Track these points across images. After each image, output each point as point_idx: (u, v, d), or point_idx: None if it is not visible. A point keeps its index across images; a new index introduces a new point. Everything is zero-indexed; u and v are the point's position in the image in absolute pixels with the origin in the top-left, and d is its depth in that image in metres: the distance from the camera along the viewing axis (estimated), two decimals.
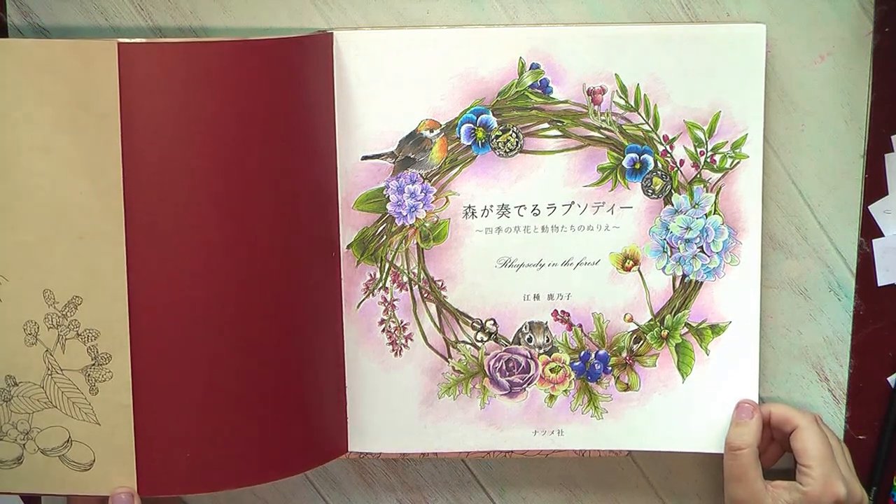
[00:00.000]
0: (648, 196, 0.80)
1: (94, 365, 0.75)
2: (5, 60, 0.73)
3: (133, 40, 0.73)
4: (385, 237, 0.80)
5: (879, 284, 0.83)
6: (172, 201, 0.74)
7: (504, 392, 0.82)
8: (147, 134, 0.73)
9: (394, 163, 0.79)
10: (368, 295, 0.80)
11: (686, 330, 0.81)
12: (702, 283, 0.81)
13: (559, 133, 0.79)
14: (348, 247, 0.80)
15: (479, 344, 0.81)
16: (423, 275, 0.80)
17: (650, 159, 0.79)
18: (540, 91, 0.78)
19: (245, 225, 0.75)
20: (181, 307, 0.75)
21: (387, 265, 0.80)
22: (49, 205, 0.74)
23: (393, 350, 0.81)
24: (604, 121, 0.79)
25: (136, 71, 0.72)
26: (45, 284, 0.74)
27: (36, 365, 0.75)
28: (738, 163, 0.79)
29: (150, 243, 0.74)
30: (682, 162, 0.79)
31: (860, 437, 0.85)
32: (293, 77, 0.76)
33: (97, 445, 0.76)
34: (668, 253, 0.80)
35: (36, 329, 0.75)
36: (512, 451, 0.83)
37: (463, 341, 0.81)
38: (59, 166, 0.73)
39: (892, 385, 0.84)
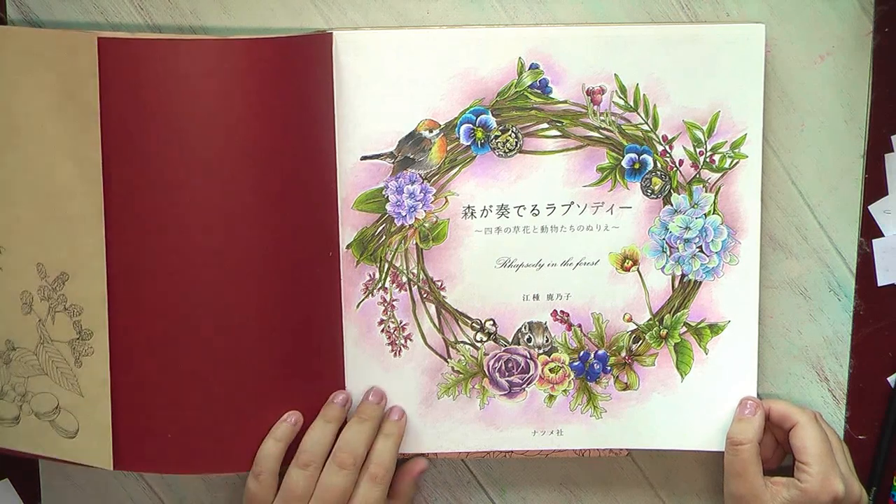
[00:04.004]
0: (648, 196, 0.80)
1: (78, 339, 0.77)
2: (2, 45, 0.75)
3: (114, 34, 0.74)
4: (384, 237, 0.80)
5: (879, 284, 0.83)
6: (158, 196, 0.74)
7: (503, 392, 0.82)
8: (128, 127, 0.74)
9: (393, 163, 0.79)
10: (368, 295, 0.80)
11: (685, 329, 0.81)
12: (701, 282, 0.80)
13: (558, 133, 0.79)
14: (348, 247, 0.80)
15: (479, 344, 0.81)
16: (422, 275, 0.80)
17: (649, 159, 0.79)
18: (539, 91, 0.78)
19: (243, 225, 0.75)
20: (167, 300, 0.76)
21: (386, 265, 0.80)
22: (42, 184, 0.76)
23: (392, 350, 0.81)
24: (603, 121, 0.79)
25: (117, 65, 0.73)
26: (38, 258, 0.77)
27: (31, 333, 0.78)
28: (737, 163, 0.79)
29: (130, 233, 0.75)
30: (681, 162, 0.79)
31: (860, 437, 0.85)
32: (293, 77, 0.76)
33: (81, 416, 0.78)
34: (668, 253, 0.80)
35: (31, 299, 0.78)
36: (512, 452, 0.83)
37: (462, 341, 0.81)
38: (50, 149, 0.76)
39: (892, 385, 0.84)
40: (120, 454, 0.77)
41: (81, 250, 0.76)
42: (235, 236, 0.75)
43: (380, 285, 0.80)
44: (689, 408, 0.81)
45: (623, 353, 0.81)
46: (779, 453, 0.82)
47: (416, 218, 0.80)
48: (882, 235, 0.82)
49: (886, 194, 0.82)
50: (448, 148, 0.79)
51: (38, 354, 0.78)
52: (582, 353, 0.81)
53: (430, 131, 0.79)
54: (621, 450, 0.83)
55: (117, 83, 0.74)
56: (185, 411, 0.77)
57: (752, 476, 0.78)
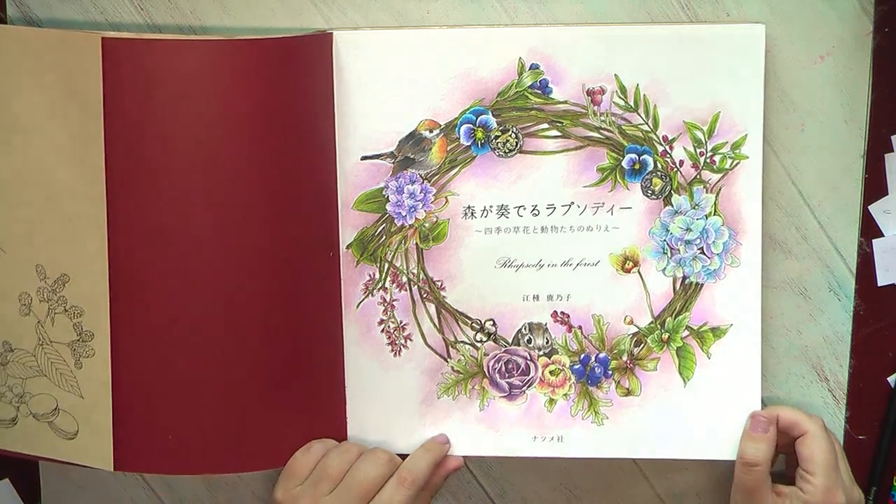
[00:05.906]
0: (648, 197, 0.80)
1: (79, 340, 0.78)
2: (4, 45, 0.75)
3: (118, 35, 0.74)
4: (384, 237, 0.80)
5: (879, 284, 0.83)
6: (160, 197, 0.75)
7: (504, 394, 0.81)
8: (132, 128, 0.74)
9: (393, 163, 0.79)
10: (368, 295, 0.80)
11: (687, 333, 0.81)
12: (702, 284, 0.80)
13: (559, 133, 0.79)
14: (348, 247, 0.80)
15: (479, 344, 0.81)
16: (422, 275, 0.80)
17: (650, 160, 0.79)
18: (539, 91, 0.78)
19: (243, 225, 0.75)
20: (168, 301, 0.76)
21: (386, 265, 0.80)
22: (42, 185, 0.76)
23: (392, 350, 0.81)
24: (603, 121, 0.79)
25: (121, 66, 0.73)
26: (38, 260, 0.77)
27: (29, 334, 0.79)
28: (737, 163, 0.79)
29: (133, 234, 0.75)
30: (681, 162, 0.79)
31: (860, 437, 0.85)
32: (293, 77, 0.75)
33: (80, 417, 0.78)
34: (669, 254, 0.80)
35: (29, 301, 0.78)
36: None
37: (462, 342, 0.81)
38: (52, 149, 0.76)
39: (892, 385, 0.84)
40: (120, 455, 0.78)
41: (82, 252, 0.76)
42: (235, 236, 0.75)
43: (380, 285, 0.80)
44: (692, 414, 0.81)
45: (624, 357, 0.81)
46: (773, 457, 0.82)
47: (416, 218, 0.80)
48: (882, 235, 0.82)
49: (886, 194, 0.82)
50: (448, 148, 0.79)
51: (37, 356, 0.79)
52: (583, 356, 0.81)
53: (431, 131, 0.79)
54: (623, 458, 0.82)
55: (121, 84, 0.74)
56: (186, 411, 0.77)
57: (763, 494, 0.77)
